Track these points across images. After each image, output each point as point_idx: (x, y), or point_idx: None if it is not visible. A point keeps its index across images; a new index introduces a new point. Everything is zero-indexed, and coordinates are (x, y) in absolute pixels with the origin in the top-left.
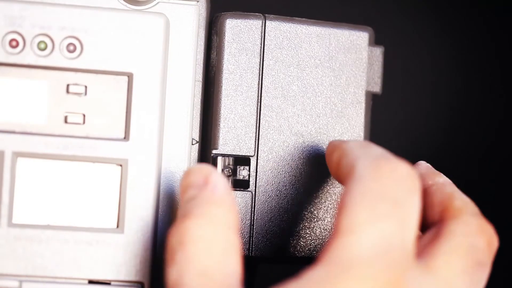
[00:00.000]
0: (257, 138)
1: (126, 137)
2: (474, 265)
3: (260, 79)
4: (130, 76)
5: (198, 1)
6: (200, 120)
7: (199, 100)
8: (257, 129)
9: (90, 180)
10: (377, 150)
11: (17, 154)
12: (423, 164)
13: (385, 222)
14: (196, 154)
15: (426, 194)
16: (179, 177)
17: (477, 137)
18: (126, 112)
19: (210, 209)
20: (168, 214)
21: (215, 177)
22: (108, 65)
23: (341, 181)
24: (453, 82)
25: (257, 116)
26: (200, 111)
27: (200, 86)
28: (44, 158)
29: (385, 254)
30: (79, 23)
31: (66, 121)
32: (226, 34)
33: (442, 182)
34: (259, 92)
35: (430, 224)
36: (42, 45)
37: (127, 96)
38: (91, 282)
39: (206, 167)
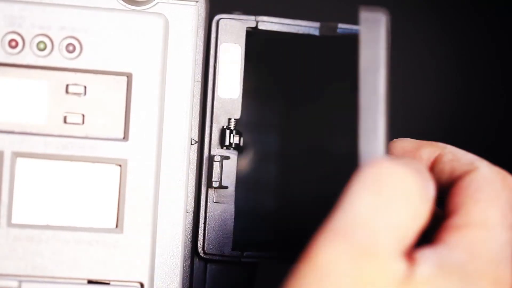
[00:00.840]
0: None
1: (125, 137)
2: None
3: None
4: (129, 76)
5: (197, 1)
6: (199, 120)
7: (199, 100)
8: None
9: (89, 180)
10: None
11: (16, 154)
12: (407, 140)
13: None
14: (195, 155)
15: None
16: (179, 176)
17: (477, 137)
18: (126, 112)
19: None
20: (167, 213)
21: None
22: (107, 65)
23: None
24: (453, 82)
25: None
26: (200, 111)
27: (199, 86)
28: (43, 158)
29: None
30: (79, 23)
31: (65, 121)
32: None
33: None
34: None
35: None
36: (42, 45)
37: (126, 96)
38: (90, 282)
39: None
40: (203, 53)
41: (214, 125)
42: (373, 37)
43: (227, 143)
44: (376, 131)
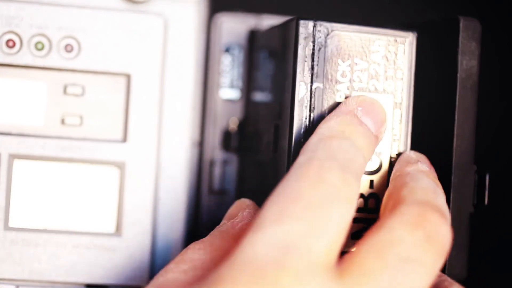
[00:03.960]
0: None
1: (124, 139)
2: (398, 262)
3: None
4: (128, 77)
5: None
6: (200, 122)
7: (199, 101)
8: None
9: (87, 182)
10: None
11: (13, 156)
12: (405, 153)
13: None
14: (196, 157)
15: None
16: (179, 179)
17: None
18: (124, 114)
19: None
20: (166, 217)
21: None
22: (106, 65)
23: None
24: None
25: None
26: (200, 112)
27: (200, 86)
28: (41, 160)
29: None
30: (77, 23)
31: (63, 123)
32: None
33: (409, 171)
34: None
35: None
36: (39, 45)
37: (125, 97)
38: (88, 286)
39: None
40: (204, 53)
41: (215, 126)
42: (472, 46)
43: (228, 145)
44: (470, 137)
